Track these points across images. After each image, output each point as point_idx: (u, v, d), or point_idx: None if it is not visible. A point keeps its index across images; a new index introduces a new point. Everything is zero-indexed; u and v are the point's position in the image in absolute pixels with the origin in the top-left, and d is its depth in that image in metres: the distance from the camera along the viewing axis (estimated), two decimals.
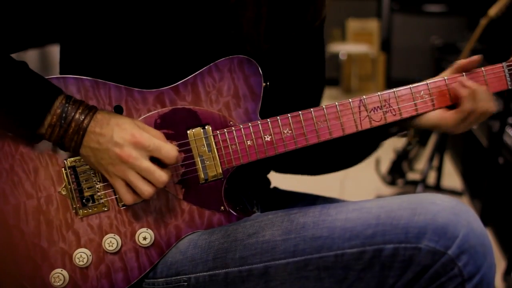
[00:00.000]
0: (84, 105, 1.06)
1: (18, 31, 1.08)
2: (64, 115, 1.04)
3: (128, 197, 1.07)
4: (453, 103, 1.20)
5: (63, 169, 1.10)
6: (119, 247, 1.12)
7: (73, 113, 1.04)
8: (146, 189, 1.06)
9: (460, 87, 1.18)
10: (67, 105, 1.05)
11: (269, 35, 1.20)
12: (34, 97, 1.04)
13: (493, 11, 2.95)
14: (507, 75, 1.22)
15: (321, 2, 1.26)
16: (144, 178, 1.05)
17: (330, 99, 1.30)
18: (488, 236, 1.04)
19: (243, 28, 1.15)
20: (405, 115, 1.19)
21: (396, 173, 3.60)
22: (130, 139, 1.04)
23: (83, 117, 1.05)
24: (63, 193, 1.11)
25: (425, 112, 1.20)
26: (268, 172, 1.41)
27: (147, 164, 1.05)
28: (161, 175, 1.05)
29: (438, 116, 1.20)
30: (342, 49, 6.56)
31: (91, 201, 1.11)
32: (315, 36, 1.33)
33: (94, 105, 1.08)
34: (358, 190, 3.69)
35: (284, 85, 1.29)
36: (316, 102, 1.38)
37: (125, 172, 1.05)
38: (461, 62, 1.21)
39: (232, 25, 1.15)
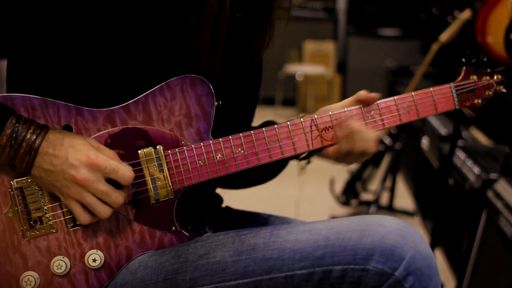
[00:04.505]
0: (36, 124, 1.04)
1: None
2: (14, 135, 1.01)
3: (84, 218, 1.06)
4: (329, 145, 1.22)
5: (9, 190, 1.08)
6: (68, 269, 1.10)
7: (24, 133, 1.02)
8: (104, 211, 1.05)
9: (337, 127, 1.19)
10: (17, 124, 1.02)
11: (223, 58, 1.18)
12: None
13: (444, 36, 3.04)
14: (455, 95, 1.26)
15: (264, 33, 1.25)
16: (101, 199, 1.05)
17: (286, 119, 1.32)
18: (434, 258, 1.06)
19: (200, 51, 1.13)
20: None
21: (350, 194, 3.65)
22: (85, 161, 1.03)
23: (34, 137, 1.02)
24: (10, 215, 1.08)
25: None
26: (215, 188, 1.41)
27: (103, 187, 1.04)
28: (117, 197, 1.05)
29: (322, 150, 1.22)
30: (299, 70, 6.62)
31: (39, 223, 1.09)
32: (257, 63, 1.34)
33: (46, 124, 1.06)
34: (312, 210, 3.71)
35: (235, 104, 1.29)
36: (249, 122, 1.39)
37: (82, 195, 1.04)
38: (361, 94, 1.21)
39: (187, 48, 1.13)
